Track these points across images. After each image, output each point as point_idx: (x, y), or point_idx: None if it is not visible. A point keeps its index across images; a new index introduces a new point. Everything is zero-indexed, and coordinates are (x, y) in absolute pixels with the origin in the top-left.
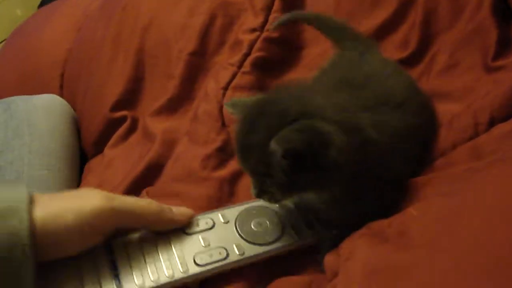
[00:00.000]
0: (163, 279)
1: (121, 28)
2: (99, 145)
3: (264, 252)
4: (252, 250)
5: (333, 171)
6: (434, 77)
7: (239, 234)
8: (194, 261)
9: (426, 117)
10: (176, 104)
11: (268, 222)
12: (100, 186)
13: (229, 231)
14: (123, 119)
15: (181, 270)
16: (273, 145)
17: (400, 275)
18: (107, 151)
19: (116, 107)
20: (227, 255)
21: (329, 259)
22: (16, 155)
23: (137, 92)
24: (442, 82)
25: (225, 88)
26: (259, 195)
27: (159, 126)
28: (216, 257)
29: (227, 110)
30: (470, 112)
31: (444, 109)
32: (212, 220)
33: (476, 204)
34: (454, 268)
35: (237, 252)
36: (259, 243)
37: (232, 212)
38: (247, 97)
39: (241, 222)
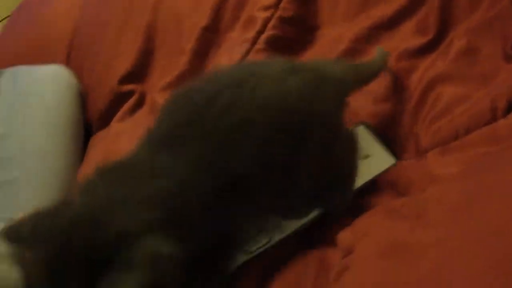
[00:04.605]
0: None
1: (132, 1)
2: (105, 119)
3: (302, 225)
4: (291, 227)
5: None
6: (451, 61)
7: None
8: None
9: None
10: (186, 79)
11: None
12: (105, 159)
13: None
14: (130, 93)
15: None
16: None
17: (417, 253)
18: (114, 124)
19: (124, 80)
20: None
21: (343, 236)
22: (21, 125)
23: (146, 67)
24: (459, 66)
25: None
26: None
27: None
28: (261, 242)
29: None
30: (488, 98)
31: (458, 93)
32: None
33: (497, 187)
34: (474, 250)
35: (279, 232)
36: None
37: None
38: (27, 221)
39: None
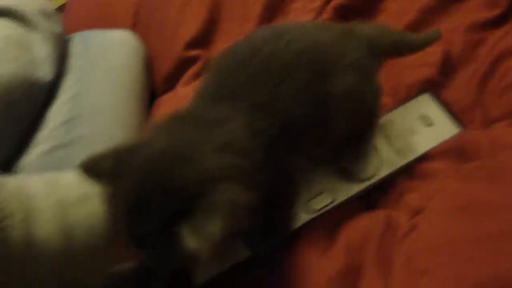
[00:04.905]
0: None
1: None
2: (170, 83)
3: (366, 188)
4: (355, 189)
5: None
6: None
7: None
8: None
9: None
10: None
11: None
12: None
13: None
14: (196, 59)
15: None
16: (193, 244)
17: (490, 212)
18: (180, 88)
19: (190, 46)
20: (334, 199)
21: (411, 197)
22: (92, 85)
23: (212, 33)
24: None
25: None
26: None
27: None
28: (324, 202)
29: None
30: None
31: None
32: None
33: None
34: None
35: (343, 193)
36: (360, 179)
37: None
38: (107, 155)
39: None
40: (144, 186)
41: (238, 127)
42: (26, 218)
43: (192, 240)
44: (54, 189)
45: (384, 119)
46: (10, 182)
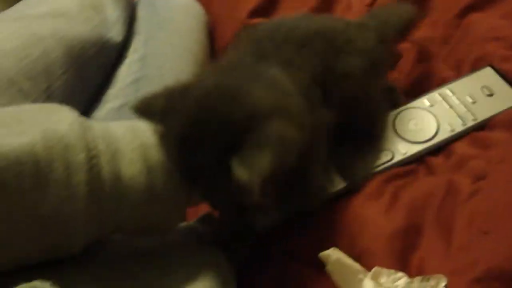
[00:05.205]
0: None
1: None
2: None
3: (424, 149)
4: (414, 149)
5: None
6: None
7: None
8: None
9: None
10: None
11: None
12: None
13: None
14: None
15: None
16: (244, 176)
17: None
18: None
19: (254, 14)
20: (392, 157)
21: (475, 163)
22: (159, 48)
23: (275, 2)
24: None
25: (371, 5)
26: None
27: None
28: (384, 159)
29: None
30: None
31: None
32: None
33: None
34: None
35: (401, 152)
36: (419, 141)
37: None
38: (158, 96)
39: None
40: (196, 119)
41: (279, 73)
42: (113, 158)
43: (243, 172)
44: (135, 134)
45: (446, 88)
46: (96, 125)
